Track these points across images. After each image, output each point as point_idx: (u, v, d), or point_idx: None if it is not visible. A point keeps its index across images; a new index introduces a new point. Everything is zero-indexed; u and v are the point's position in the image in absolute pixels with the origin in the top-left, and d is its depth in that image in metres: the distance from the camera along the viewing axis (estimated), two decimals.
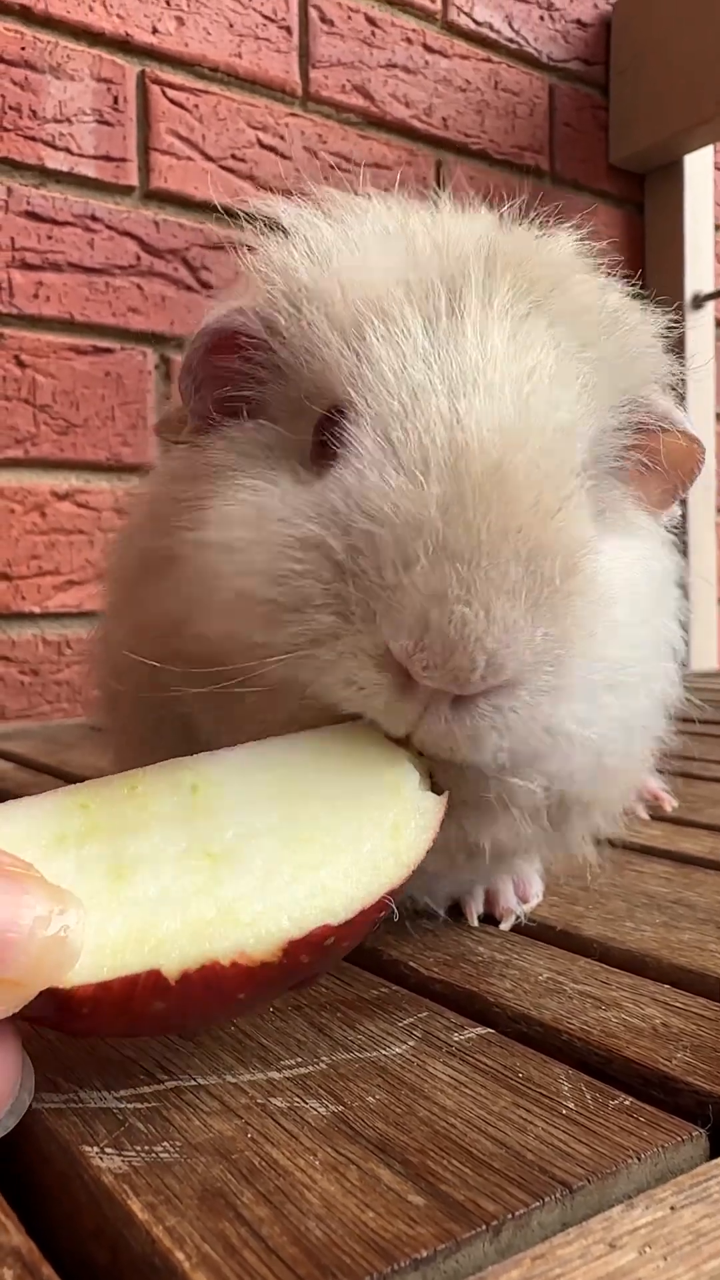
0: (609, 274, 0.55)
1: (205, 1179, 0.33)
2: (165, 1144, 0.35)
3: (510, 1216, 0.30)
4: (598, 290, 0.53)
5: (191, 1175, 0.33)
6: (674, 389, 0.54)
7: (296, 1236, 0.30)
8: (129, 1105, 0.37)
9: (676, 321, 0.55)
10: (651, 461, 0.53)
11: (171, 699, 0.48)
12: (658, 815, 0.87)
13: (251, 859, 0.37)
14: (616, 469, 0.52)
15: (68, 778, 1.08)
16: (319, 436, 0.47)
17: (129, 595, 0.54)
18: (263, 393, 0.51)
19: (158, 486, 0.57)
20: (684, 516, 0.61)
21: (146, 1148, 0.34)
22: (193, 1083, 0.39)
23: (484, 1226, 0.30)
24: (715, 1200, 0.32)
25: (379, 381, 0.45)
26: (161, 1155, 0.34)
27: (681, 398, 0.55)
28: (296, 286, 0.49)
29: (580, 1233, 0.30)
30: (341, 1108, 0.37)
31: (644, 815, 0.86)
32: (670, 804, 0.89)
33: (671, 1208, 0.31)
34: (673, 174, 2.31)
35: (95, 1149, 0.34)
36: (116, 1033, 0.37)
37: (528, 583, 0.41)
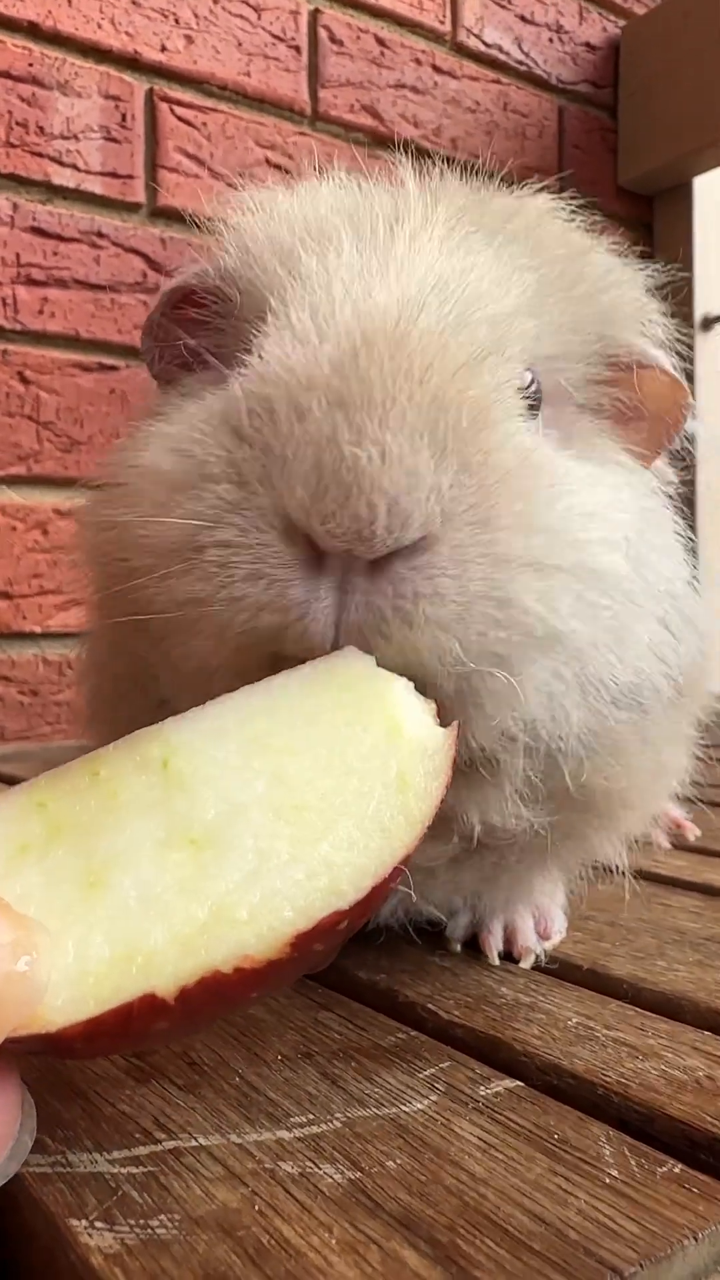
0: (589, 231, 0.53)
1: (207, 1261, 0.29)
2: (162, 1217, 0.31)
3: None
4: (563, 227, 0.51)
5: (191, 1256, 0.29)
6: (662, 342, 0.51)
7: None
8: (122, 1170, 0.33)
9: (684, 274, 0.53)
10: (631, 401, 0.50)
11: (146, 680, 0.46)
12: (680, 844, 0.83)
13: (240, 840, 0.32)
14: (589, 405, 0.49)
15: None
16: None
17: (83, 516, 0.52)
18: (217, 343, 0.49)
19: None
20: (693, 532, 0.57)
21: (141, 1221, 0.31)
22: (193, 1143, 0.35)
23: None
24: None
25: (299, 286, 0.44)
26: (158, 1231, 0.30)
27: (689, 378, 0.52)
28: (247, 235, 0.48)
29: None
30: (359, 1174, 0.33)
31: (666, 844, 0.82)
32: (693, 832, 0.85)
33: None
34: (682, 196, 2.30)
35: (84, 1223, 0.30)
36: (122, 1052, 0.33)
37: (428, 428, 0.38)
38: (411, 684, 0.37)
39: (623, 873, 0.58)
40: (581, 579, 0.40)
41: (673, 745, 0.54)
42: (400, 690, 0.37)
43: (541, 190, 0.54)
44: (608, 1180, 0.33)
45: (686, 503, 0.56)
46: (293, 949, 0.31)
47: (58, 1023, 0.29)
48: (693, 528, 0.56)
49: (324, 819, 0.33)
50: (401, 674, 0.38)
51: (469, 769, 0.42)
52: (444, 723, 0.37)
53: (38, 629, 1.63)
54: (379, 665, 0.37)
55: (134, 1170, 0.33)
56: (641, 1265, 0.29)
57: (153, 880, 0.31)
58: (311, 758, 0.34)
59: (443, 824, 0.44)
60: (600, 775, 0.46)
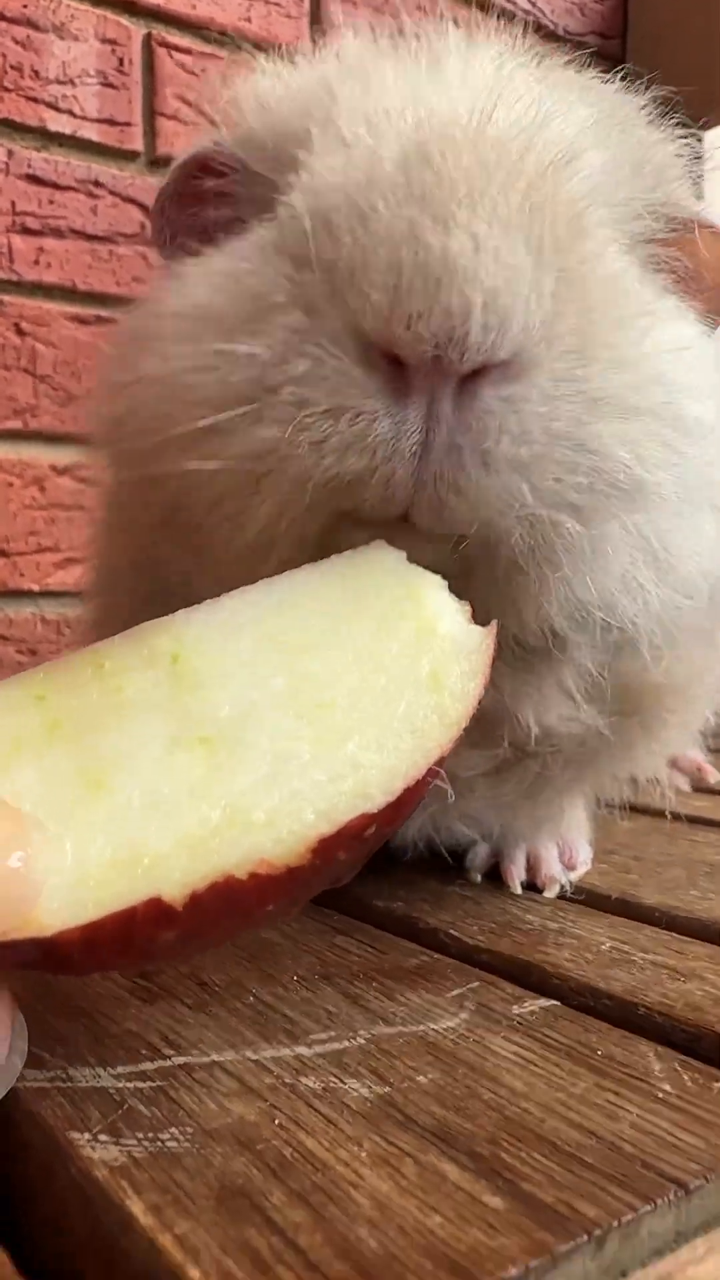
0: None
1: (224, 1174, 0.26)
2: (173, 1130, 0.28)
3: (615, 1224, 0.24)
4: (600, 84, 0.46)
5: (206, 1169, 0.26)
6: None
7: (345, 1248, 0.23)
8: (128, 1084, 0.31)
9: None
10: (690, 265, 0.44)
11: (164, 569, 0.42)
12: (700, 787, 0.80)
13: (256, 739, 0.29)
14: (650, 258, 0.44)
15: None
16: None
17: (100, 382, 0.46)
18: (239, 212, 0.44)
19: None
20: None
21: (150, 1135, 0.28)
22: (206, 1059, 0.32)
23: (585, 1236, 0.23)
24: None
25: (340, 112, 0.39)
26: (169, 1144, 0.27)
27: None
28: (271, 94, 0.44)
29: (710, 1246, 0.24)
30: (387, 1089, 0.30)
31: (686, 787, 0.80)
32: (714, 775, 0.82)
33: None
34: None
35: (86, 1135, 0.28)
36: (126, 969, 0.30)
37: (524, 224, 0.34)
38: (446, 583, 0.34)
39: (657, 806, 0.55)
40: (669, 423, 0.36)
41: (710, 656, 0.50)
42: (434, 587, 0.33)
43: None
44: (660, 1095, 0.30)
45: None
46: (314, 855, 0.27)
47: (54, 926, 0.26)
48: None
49: (349, 718, 0.30)
50: (469, 530, 0.35)
51: (529, 658, 0.39)
52: (481, 623, 0.33)
53: (35, 587, 1.60)
54: (430, 542, 0.34)
55: (141, 1085, 0.31)
56: (706, 1178, 0.26)
57: (160, 781, 0.28)
58: (335, 655, 0.31)
59: (492, 726, 0.41)
60: (649, 670, 0.42)
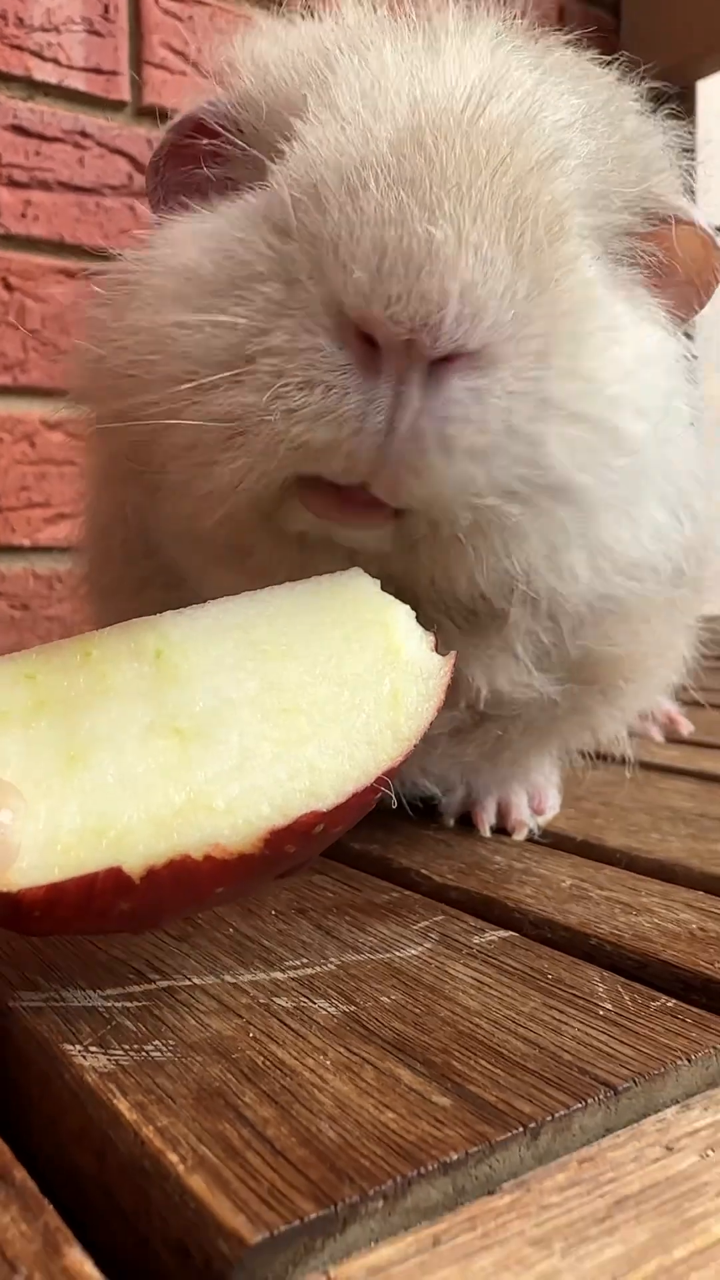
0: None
1: (202, 1078, 0.29)
2: (156, 1043, 0.31)
3: (549, 1118, 0.27)
4: (597, 70, 0.48)
5: (186, 1074, 0.29)
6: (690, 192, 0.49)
7: (307, 1138, 0.26)
8: (116, 1004, 0.33)
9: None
10: (665, 259, 0.47)
11: (150, 537, 0.44)
12: (673, 738, 0.83)
13: (226, 735, 0.31)
14: (626, 254, 0.46)
15: None
16: None
17: (87, 331, 0.47)
18: (233, 172, 0.45)
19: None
20: None
21: (136, 1046, 0.31)
22: (187, 982, 0.35)
23: (520, 1129, 0.26)
24: None
25: (339, 83, 0.40)
26: (152, 1054, 0.30)
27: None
28: (268, 58, 0.44)
29: (632, 1135, 0.27)
30: (353, 1008, 0.33)
31: (659, 738, 0.83)
32: (686, 727, 0.85)
33: None
34: (685, 100, 2.23)
35: (78, 1047, 0.30)
36: (80, 932, 0.33)
37: (507, 222, 0.36)
38: (413, 612, 0.37)
39: (621, 757, 0.58)
40: (604, 435, 0.38)
41: (673, 628, 0.53)
42: (402, 615, 0.36)
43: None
44: (601, 1013, 0.33)
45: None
46: (265, 845, 0.30)
47: (19, 884, 0.28)
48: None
49: (312, 725, 0.32)
50: (424, 508, 0.37)
51: (474, 622, 0.42)
52: (441, 653, 0.36)
53: (27, 542, 1.61)
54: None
55: (128, 1004, 0.33)
56: (634, 1082, 0.29)
57: (134, 763, 0.31)
58: (307, 666, 0.34)
59: (450, 690, 0.44)
60: (606, 642, 0.45)
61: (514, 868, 0.49)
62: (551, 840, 0.54)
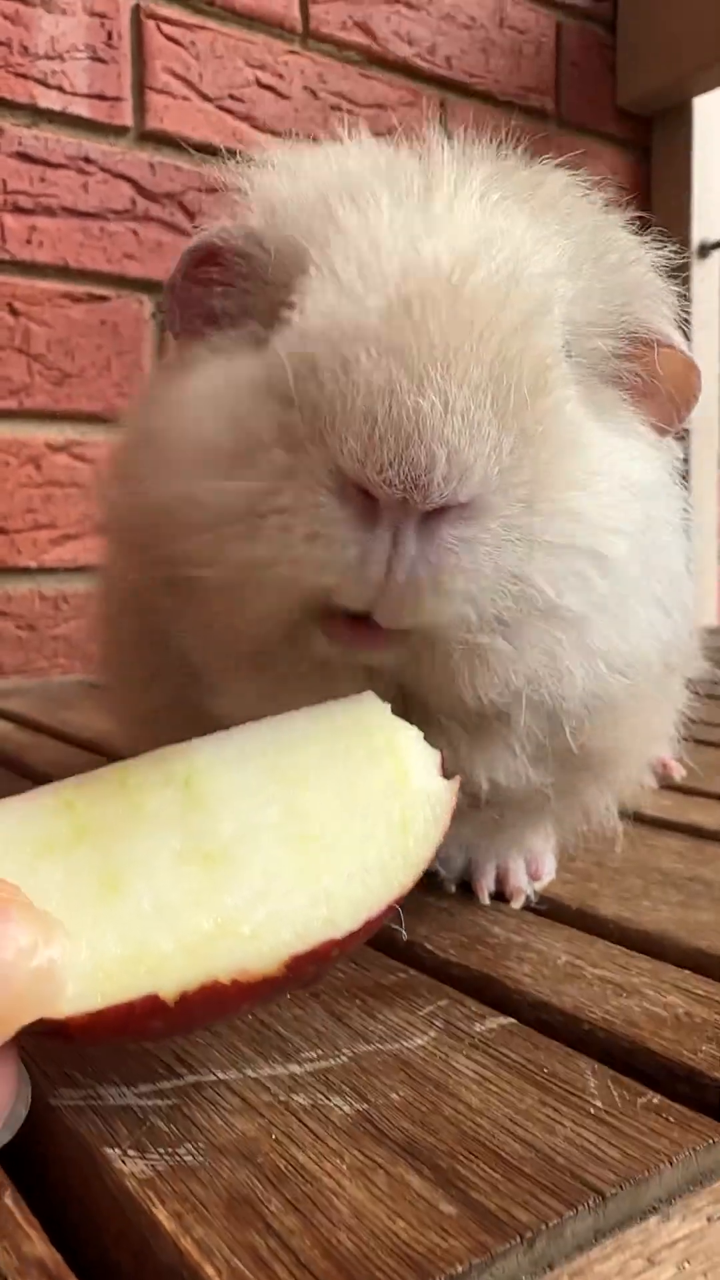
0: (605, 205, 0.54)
1: (231, 1184, 0.32)
2: (188, 1145, 0.34)
3: (544, 1227, 0.30)
4: (586, 200, 0.52)
5: (217, 1180, 0.32)
6: (677, 323, 0.52)
7: (327, 1249, 0.29)
8: (149, 1102, 0.37)
9: (677, 253, 0.54)
10: (649, 378, 0.50)
11: (165, 631, 0.48)
12: (666, 784, 0.86)
13: (250, 861, 0.34)
14: (611, 376, 0.50)
15: (67, 739, 1.07)
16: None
17: (117, 490, 0.52)
18: (244, 302, 0.50)
19: (147, 389, 0.57)
20: (685, 466, 0.59)
21: (169, 1150, 0.34)
22: (212, 1077, 0.38)
23: (518, 1238, 0.29)
24: None
25: (339, 239, 0.43)
26: (185, 1158, 0.33)
27: (685, 338, 0.53)
28: (274, 195, 0.48)
29: (617, 1245, 0.30)
30: (366, 1105, 0.37)
31: (653, 784, 0.86)
32: (679, 772, 0.88)
33: (709, 1219, 0.31)
34: (681, 117, 2.25)
35: (117, 1151, 0.34)
36: (113, 1044, 0.36)
37: (492, 385, 0.39)
38: (421, 734, 0.40)
39: (612, 829, 0.61)
40: (590, 560, 0.42)
41: (661, 711, 0.57)
42: (411, 740, 0.39)
43: (560, 166, 0.54)
44: (592, 1110, 0.36)
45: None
46: (288, 969, 0.33)
47: (66, 1012, 0.31)
48: (685, 461, 0.58)
49: (329, 852, 0.35)
50: (422, 637, 0.41)
51: (480, 724, 0.45)
52: (447, 775, 0.39)
53: (33, 564, 1.64)
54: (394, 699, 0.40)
55: (160, 1103, 0.37)
56: (621, 1187, 0.32)
57: (167, 889, 0.33)
58: (324, 793, 0.37)
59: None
60: (598, 735, 0.48)
61: (513, 941, 0.52)
62: (548, 908, 0.57)
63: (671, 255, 0.53)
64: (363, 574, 0.39)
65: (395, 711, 0.42)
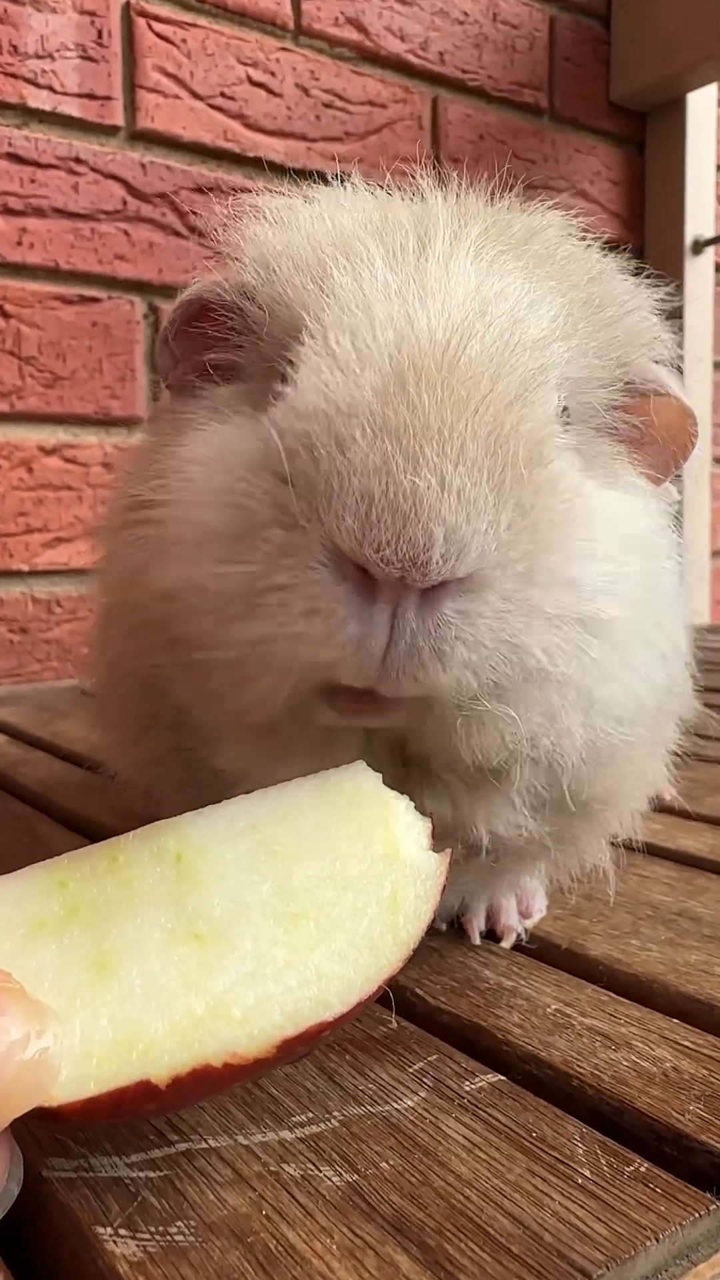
0: (600, 248, 0.53)
1: (221, 1268, 0.32)
2: (179, 1224, 0.34)
3: None
4: (581, 248, 0.52)
5: (208, 1264, 0.32)
6: (670, 364, 0.52)
7: None
8: (141, 1174, 0.37)
9: (673, 295, 0.54)
10: (645, 427, 0.50)
11: (164, 687, 0.48)
12: (660, 808, 0.86)
13: (241, 940, 0.34)
14: (606, 427, 0.50)
15: (60, 753, 1.07)
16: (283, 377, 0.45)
17: (112, 549, 0.53)
18: (238, 357, 0.50)
19: (144, 439, 0.58)
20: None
21: (161, 1229, 0.34)
22: (203, 1145, 0.39)
23: None
24: None
25: (334, 305, 0.43)
26: (176, 1238, 0.34)
27: (679, 371, 0.53)
28: (268, 250, 0.48)
29: None
30: (356, 1176, 0.37)
31: (645, 807, 0.86)
32: (670, 793, 0.88)
33: None
34: (675, 113, 2.24)
35: (109, 1230, 0.34)
36: (106, 1122, 0.36)
37: (488, 462, 0.39)
38: (412, 804, 0.40)
39: (604, 872, 0.61)
40: (586, 628, 0.42)
41: (655, 754, 0.57)
42: (401, 811, 0.39)
43: (553, 207, 0.53)
44: (580, 1180, 0.37)
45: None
46: (278, 1050, 0.33)
47: (59, 1098, 0.31)
48: (676, 514, 0.58)
49: (320, 930, 0.35)
50: (421, 706, 0.41)
51: (479, 779, 0.45)
52: (438, 840, 0.39)
53: (25, 567, 1.64)
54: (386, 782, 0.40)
55: (151, 1175, 0.37)
56: (608, 1267, 0.32)
57: (158, 971, 0.33)
58: (315, 868, 0.37)
59: (447, 833, 0.47)
60: (595, 784, 0.48)
61: (503, 987, 0.52)
62: (538, 947, 0.57)
63: (668, 297, 0.53)
64: (363, 648, 0.39)
65: (395, 768, 0.43)
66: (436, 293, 0.43)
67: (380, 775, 0.40)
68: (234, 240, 0.50)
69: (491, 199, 0.52)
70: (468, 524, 0.38)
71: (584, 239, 0.52)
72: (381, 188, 0.52)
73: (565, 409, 0.46)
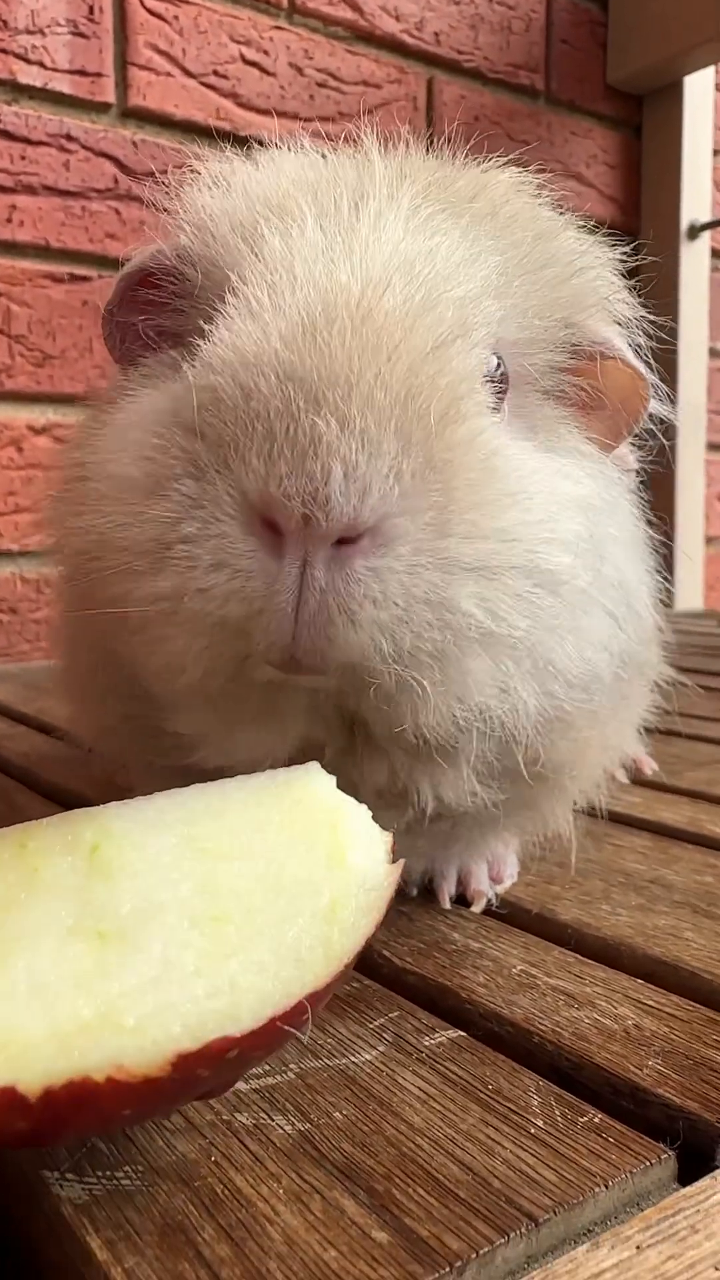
0: (555, 208, 0.53)
1: (166, 1210, 0.32)
2: (127, 1169, 0.34)
3: (474, 1255, 0.30)
4: (531, 206, 0.51)
5: (153, 1206, 0.32)
6: (623, 323, 0.52)
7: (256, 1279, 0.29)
8: None
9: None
10: (594, 390, 0.50)
11: (117, 653, 0.48)
12: (637, 780, 0.86)
13: (149, 942, 0.31)
14: (552, 391, 0.49)
15: (44, 729, 1.07)
16: None
17: (53, 517, 0.53)
18: (179, 323, 0.49)
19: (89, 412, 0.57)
20: (672, 449, 0.58)
21: (108, 1174, 0.34)
22: None
23: (448, 1268, 0.30)
24: (681, 1239, 0.32)
25: (258, 264, 0.43)
26: (123, 1182, 0.33)
27: (646, 336, 0.52)
28: (206, 214, 0.48)
29: (545, 1276, 0.30)
30: (308, 1125, 0.37)
31: (623, 779, 0.86)
32: (650, 767, 0.88)
33: (638, 1247, 0.31)
34: (672, 96, 2.23)
35: (55, 1174, 0.34)
36: None
37: (397, 412, 0.39)
38: (370, 813, 0.37)
39: (568, 839, 0.61)
40: (529, 577, 0.41)
41: (618, 721, 0.56)
42: (355, 816, 0.36)
43: (508, 164, 0.53)
44: (533, 1130, 0.36)
45: (656, 479, 0.57)
46: (173, 1068, 0.29)
47: None
48: (671, 450, 0.57)
49: (241, 935, 0.32)
50: (350, 669, 0.40)
51: (425, 748, 0.44)
52: (384, 823, 0.37)
53: (15, 547, 1.63)
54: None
55: None
56: (554, 1212, 0.32)
57: (48, 968, 0.30)
58: (246, 869, 0.33)
59: (398, 797, 0.47)
60: (552, 752, 0.48)
61: (470, 949, 0.52)
62: (508, 912, 0.57)
63: (625, 256, 0.52)
64: (271, 604, 0.38)
65: (342, 733, 0.42)
66: (361, 250, 0.42)
67: (335, 779, 0.38)
68: (176, 206, 0.50)
69: (441, 160, 0.52)
70: (368, 463, 0.38)
71: (537, 196, 0.51)
72: (332, 151, 0.52)
73: (501, 370, 0.46)
